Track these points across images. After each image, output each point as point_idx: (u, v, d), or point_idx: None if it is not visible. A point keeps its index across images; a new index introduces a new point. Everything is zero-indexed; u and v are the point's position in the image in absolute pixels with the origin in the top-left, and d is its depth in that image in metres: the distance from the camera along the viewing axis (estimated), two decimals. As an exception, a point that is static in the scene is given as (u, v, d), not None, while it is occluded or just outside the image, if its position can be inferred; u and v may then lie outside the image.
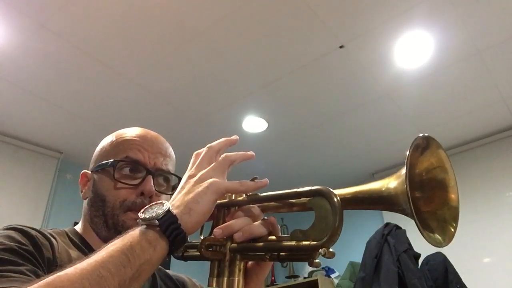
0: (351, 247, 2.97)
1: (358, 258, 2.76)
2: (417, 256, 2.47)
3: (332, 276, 3.77)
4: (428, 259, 2.53)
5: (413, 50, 2.62)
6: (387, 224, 2.62)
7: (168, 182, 0.89)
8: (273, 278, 4.16)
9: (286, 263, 0.61)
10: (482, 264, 3.32)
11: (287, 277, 4.09)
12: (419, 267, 2.46)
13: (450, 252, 2.42)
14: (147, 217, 0.55)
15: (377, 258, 2.46)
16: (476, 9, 2.34)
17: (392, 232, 2.55)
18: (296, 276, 4.03)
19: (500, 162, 3.51)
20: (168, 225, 0.54)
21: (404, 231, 2.54)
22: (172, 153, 0.92)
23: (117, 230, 0.80)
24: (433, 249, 2.31)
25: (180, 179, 0.67)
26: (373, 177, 4.15)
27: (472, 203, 3.40)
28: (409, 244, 2.47)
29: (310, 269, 3.78)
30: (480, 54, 2.68)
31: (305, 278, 3.83)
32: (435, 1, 2.28)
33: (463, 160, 3.60)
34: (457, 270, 2.45)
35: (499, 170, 3.49)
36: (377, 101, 3.11)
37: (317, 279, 3.56)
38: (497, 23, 2.45)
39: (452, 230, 0.53)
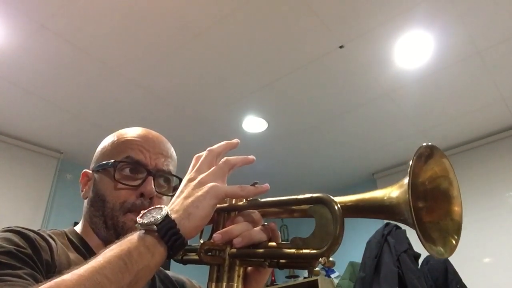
0: (351, 247, 2.96)
1: (358, 258, 2.76)
2: (417, 256, 2.47)
3: (332, 276, 3.77)
4: (428, 259, 2.53)
5: (413, 50, 2.62)
6: (387, 224, 2.62)
7: (169, 183, 0.88)
8: (273, 278, 4.16)
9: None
10: (482, 264, 3.32)
11: (287, 277, 4.09)
12: (419, 267, 2.46)
13: (450, 252, 2.42)
14: (145, 222, 0.55)
15: (377, 258, 2.46)
16: (476, 9, 2.34)
17: (392, 232, 2.55)
18: (296, 276, 4.03)
19: (500, 162, 3.51)
20: (167, 231, 0.54)
21: (404, 231, 2.54)
22: (174, 153, 0.91)
23: (117, 231, 0.79)
24: (433, 250, 2.31)
25: (181, 180, 0.66)
26: (373, 177, 4.15)
27: (472, 203, 3.39)
28: (409, 244, 2.47)
29: (310, 269, 3.77)
30: (480, 54, 2.67)
31: (305, 278, 3.83)
32: (435, 1, 2.28)
33: (463, 160, 3.59)
34: (457, 270, 2.46)
35: (499, 170, 3.49)
36: (377, 101, 3.11)
37: (317, 279, 3.56)
38: (497, 23, 2.44)
39: (454, 242, 0.52)
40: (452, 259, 2.47)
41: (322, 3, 2.28)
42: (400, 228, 2.56)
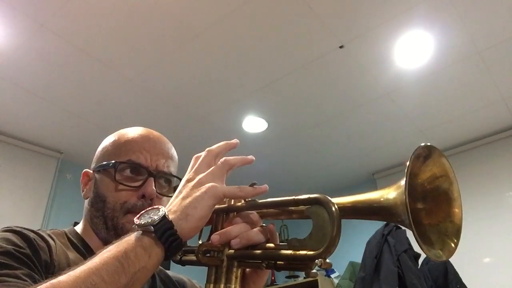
0: (351, 247, 2.96)
1: (358, 258, 2.76)
2: (417, 256, 2.47)
3: (332, 276, 3.76)
4: (428, 259, 2.53)
5: (413, 50, 2.62)
6: (387, 224, 2.61)
7: (170, 184, 0.88)
8: (273, 278, 4.16)
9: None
10: (482, 264, 3.32)
11: (287, 277, 4.09)
12: (419, 267, 2.46)
13: (450, 252, 2.41)
14: (143, 223, 0.55)
15: (377, 258, 2.46)
16: (476, 9, 2.34)
17: (392, 232, 2.55)
18: (296, 276, 4.03)
19: (500, 162, 3.50)
20: (164, 231, 0.54)
21: (404, 231, 2.53)
22: (175, 153, 0.91)
23: (117, 232, 0.79)
24: (433, 250, 2.31)
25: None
26: (373, 177, 4.15)
27: (472, 203, 3.39)
28: (409, 244, 2.46)
29: (310, 268, 3.77)
30: (480, 54, 2.67)
31: (305, 278, 3.83)
32: (435, 1, 2.28)
33: (463, 160, 3.59)
34: (457, 270, 2.45)
35: (499, 170, 3.49)
36: (377, 101, 3.11)
37: (317, 279, 3.56)
38: (497, 23, 2.44)
39: (453, 245, 0.51)
40: (452, 259, 2.43)
41: (322, 3, 2.28)
42: (400, 228, 2.56)
